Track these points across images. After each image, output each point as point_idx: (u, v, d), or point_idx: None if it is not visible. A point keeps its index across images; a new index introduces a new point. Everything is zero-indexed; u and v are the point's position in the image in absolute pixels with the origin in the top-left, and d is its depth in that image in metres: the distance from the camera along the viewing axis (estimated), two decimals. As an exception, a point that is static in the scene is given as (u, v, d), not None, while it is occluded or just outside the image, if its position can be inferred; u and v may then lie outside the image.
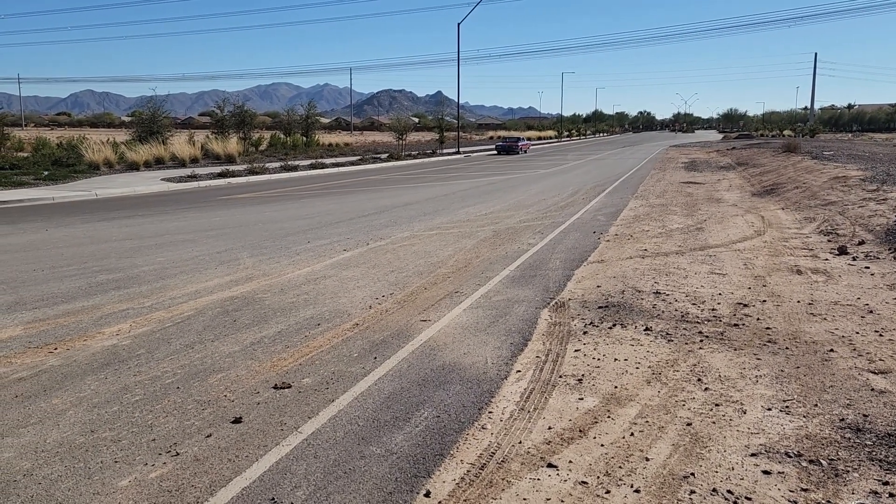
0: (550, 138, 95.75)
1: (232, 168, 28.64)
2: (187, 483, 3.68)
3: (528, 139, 64.42)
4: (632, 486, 3.67)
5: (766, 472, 3.82)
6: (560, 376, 5.31)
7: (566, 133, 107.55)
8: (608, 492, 3.62)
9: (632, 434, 4.30)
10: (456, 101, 56.26)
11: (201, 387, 5.07)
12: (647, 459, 3.97)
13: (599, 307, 7.30)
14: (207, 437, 4.25)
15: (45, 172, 24.57)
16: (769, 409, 4.67)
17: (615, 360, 5.68)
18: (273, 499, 3.54)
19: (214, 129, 39.68)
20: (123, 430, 4.33)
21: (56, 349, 5.92)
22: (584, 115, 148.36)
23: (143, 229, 13.25)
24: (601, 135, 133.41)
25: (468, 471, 3.84)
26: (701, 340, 6.17)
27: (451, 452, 4.06)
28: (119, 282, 8.47)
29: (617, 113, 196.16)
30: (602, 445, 4.15)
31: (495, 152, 49.46)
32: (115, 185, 22.06)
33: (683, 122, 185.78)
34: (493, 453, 4.04)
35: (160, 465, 3.89)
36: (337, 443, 4.18)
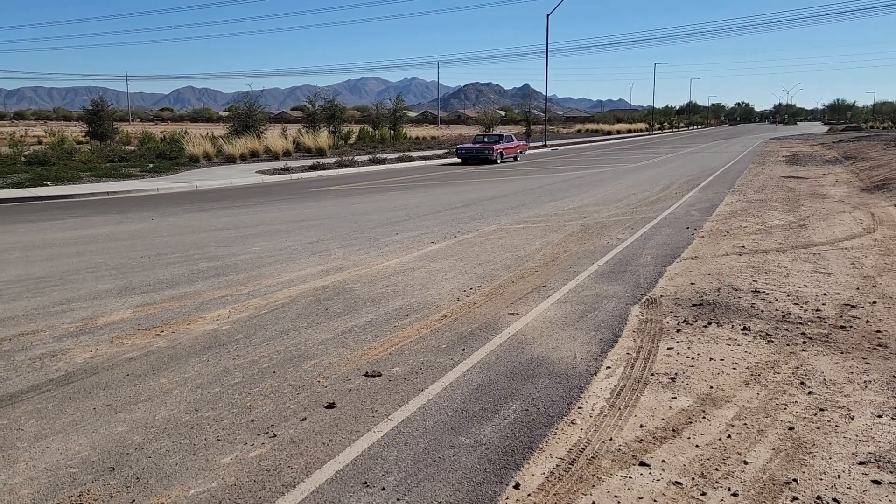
0: (641, 131, 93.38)
1: (322, 161, 29.42)
2: (284, 464, 3.82)
3: (513, 134, 37.65)
4: (729, 490, 3.55)
5: (875, 482, 3.61)
6: (652, 374, 5.18)
7: (657, 126, 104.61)
8: (704, 494, 3.51)
9: (729, 436, 4.15)
10: (543, 93, 55.25)
11: (296, 372, 5.24)
12: (746, 463, 3.82)
13: (693, 305, 7.08)
14: (302, 420, 4.39)
15: (151, 165, 25.97)
16: (879, 416, 4.40)
17: (710, 359, 5.49)
18: (366, 482, 3.62)
19: (306, 124, 40.88)
20: (224, 411, 4.53)
21: (162, 332, 6.25)
22: (677, 107, 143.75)
23: (239, 220, 13.80)
24: (695, 127, 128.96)
25: (557, 465, 3.81)
26: (804, 342, 5.88)
27: (540, 446, 4.04)
28: (218, 269, 8.85)
29: (712, 104, 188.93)
30: (697, 446, 4.02)
31: (459, 162, 32.55)
32: (213, 178, 23.07)
33: (785, 114, 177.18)
34: (583, 449, 3.99)
35: (259, 444, 4.05)
36: (426, 431, 4.23)
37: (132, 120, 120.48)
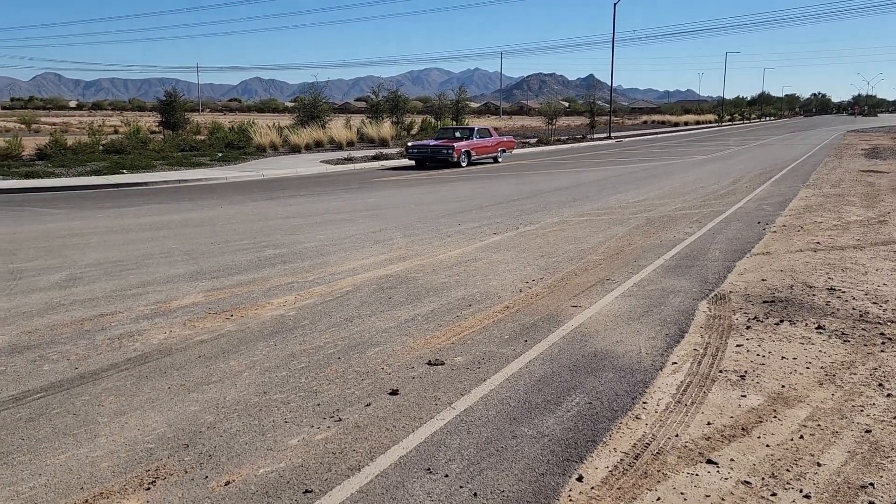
0: (710, 123, 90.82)
1: (385, 151, 29.71)
2: (349, 447, 3.89)
3: (491, 128, 29.06)
4: (801, 491, 3.44)
5: (961, 492, 3.43)
6: (720, 371, 5.06)
7: (727, 117, 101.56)
8: (774, 494, 3.42)
9: (801, 437, 4.02)
10: (609, 84, 54.25)
11: (360, 359, 5.33)
12: (819, 465, 3.70)
13: (764, 301, 6.86)
14: (367, 406, 4.46)
15: (220, 154, 26.72)
16: (966, 423, 4.18)
17: (782, 357, 5.32)
18: (429, 469, 3.66)
19: (369, 114, 41.28)
20: (291, 394, 4.65)
21: (232, 316, 6.44)
22: (749, 98, 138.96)
23: (304, 208, 14.08)
24: (768, 119, 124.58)
25: (622, 459, 3.77)
26: (883, 342, 5.63)
27: (604, 440, 4.00)
28: (284, 257, 9.05)
29: (786, 95, 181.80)
30: (767, 446, 3.91)
31: (412, 164, 25.24)
32: (279, 167, 23.58)
33: (865, 105, 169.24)
34: (648, 444, 3.93)
35: (325, 428, 4.14)
36: (489, 421, 4.24)
37: (202, 110, 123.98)
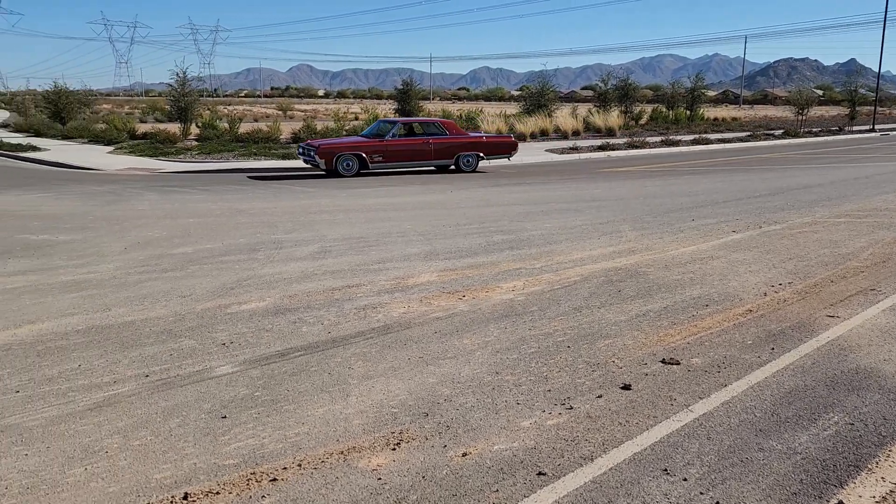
0: None
1: (611, 141, 29.03)
2: (581, 437, 3.86)
3: (441, 122, 20.49)
4: None
5: None
6: None
7: None
8: None
9: None
10: (874, 70, 47.95)
11: (590, 349, 5.26)
12: None
13: None
14: (598, 397, 4.39)
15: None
16: None
17: None
18: (665, 470, 3.50)
19: (596, 103, 40.58)
20: (522, 377, 4.71)
21: (464, 297, 6.68)
22: None
23: (529, 196, 14.24)
24: None
25: (891, 491, 3.32)
26: None
27: (869, 466, 3.55)
28: (512, 243, 9.21)
29: None
30: None
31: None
32: (507, 155, 24.00)
33: None
34: (927, 480, 3.42)
35: (556, 414, 4.14)
36: (731, 429, 3.96)
37: (432, 98, 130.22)
